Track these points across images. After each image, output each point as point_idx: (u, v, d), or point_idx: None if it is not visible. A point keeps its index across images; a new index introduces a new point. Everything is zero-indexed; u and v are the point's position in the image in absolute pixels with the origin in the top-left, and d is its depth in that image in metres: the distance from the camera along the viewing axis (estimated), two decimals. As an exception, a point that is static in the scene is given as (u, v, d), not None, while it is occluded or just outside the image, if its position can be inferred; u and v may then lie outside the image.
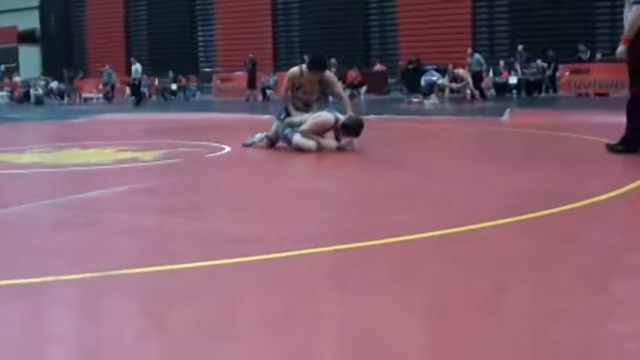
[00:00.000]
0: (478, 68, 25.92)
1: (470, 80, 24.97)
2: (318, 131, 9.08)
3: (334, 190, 6.44)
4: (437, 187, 6.54)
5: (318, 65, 9.57)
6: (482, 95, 25.56)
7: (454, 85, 25.03)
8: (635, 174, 6.75)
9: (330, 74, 9.87)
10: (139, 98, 31.05)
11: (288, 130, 9.20)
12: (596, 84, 26.08)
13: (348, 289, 3.29)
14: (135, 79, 31.69)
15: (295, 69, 9.70)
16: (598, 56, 26.73)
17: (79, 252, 4.16)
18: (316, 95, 9.69)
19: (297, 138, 9.01)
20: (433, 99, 23.88)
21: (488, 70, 28.23)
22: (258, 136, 9.87)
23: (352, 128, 8.91)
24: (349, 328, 2.81)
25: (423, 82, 25.76)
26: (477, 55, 26.17)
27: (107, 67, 34.83)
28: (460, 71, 25.28)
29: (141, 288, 3.39)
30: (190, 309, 3.05)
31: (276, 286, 3.36)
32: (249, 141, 9.84)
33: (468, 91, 24.69)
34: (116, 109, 26.85)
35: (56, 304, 3.19)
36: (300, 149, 8.94)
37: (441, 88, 24.76)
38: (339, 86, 10.05)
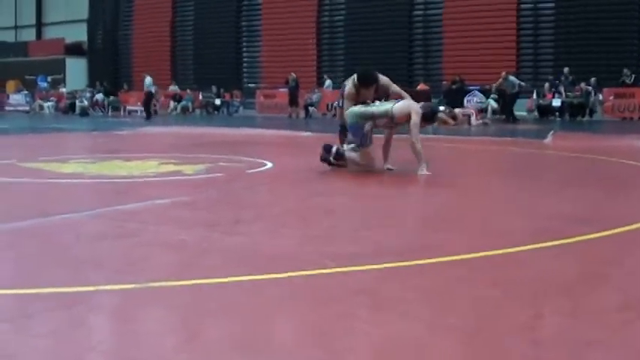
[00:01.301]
0: (513, 90, 25.70)
1: (473, 113, 24.43)
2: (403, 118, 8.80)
3: (375, 208, 6.43)
4: (477, 209, 6.51)
5: (368, 82, 9.37)
6: (513, 118, 25.29)
7: (450, 121, 24.63)
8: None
9: (383, 79, 9.60)
10: (148, 112, 29.73)
11: (368, 125, 8.87)
12: (641, 108, 25.87)
13: (384, 309, 3.29)
14: (148, 93, 30.15)
15: (351, 88, 9.38)
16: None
17: (117, 263, 4.20)
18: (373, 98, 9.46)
19: (351, 154, 8.89)
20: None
21: (532, 92, 28.07)
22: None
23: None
24: (384, 349, 2.80)
25: (466, 103, 25.67)
26: (511, 78, 25.86)
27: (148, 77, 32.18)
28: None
29: (177, 301, 3.41)
30: (225, 324, 3.07)
31: (312, 304, 3.37)
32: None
33: (479, 121, 24.12)
34: (159, 122, 27.08)
35: (94, 314, 3.22)
36: (353, 160, 8.84)
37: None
38: (395, 86, 9.74)
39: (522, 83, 26.81)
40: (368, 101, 9.14)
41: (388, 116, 8.83)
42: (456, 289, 3.63)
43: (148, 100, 30.29)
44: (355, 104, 9.18)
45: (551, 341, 2.87)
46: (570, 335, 2.94)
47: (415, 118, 8.64)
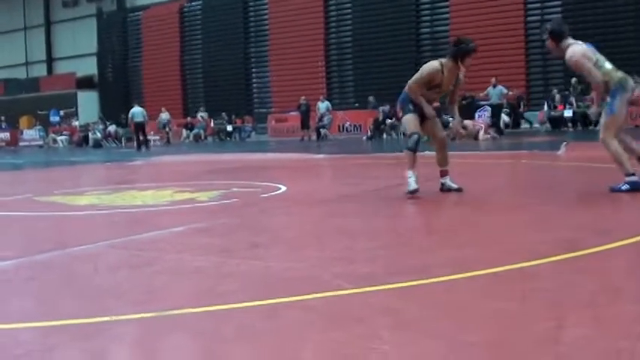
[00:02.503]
0: (499, 101, 25.31)
1: (482, 127, 24.07)
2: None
3: (391, 227, 6.41)
4: (494, 223, 6.49)
5: (473, 47, 8.29)
6: (499, 131, 24.94)
7: (462, 132, 24.66)
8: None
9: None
10: (137, 143, 29.61)
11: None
12: (653, 115, 25.76)
13: (405, 328, 3.27)
14: (137, 123, 29.88)
15: (435, 64, 8.26)
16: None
17: (136, 292, 4.20)
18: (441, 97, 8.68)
19: None
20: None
21: (543, 103, 28.03)
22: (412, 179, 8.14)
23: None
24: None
25: (477, 118, 25.60)
26: (499, 87, 25.40)
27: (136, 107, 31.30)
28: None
29: (197, 328, 3.41)
30: (246, 349, 3.06)
31: (332, 326, 3.35)
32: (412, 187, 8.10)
33: (487, 135, 23.85)
34: (172, 150, 27.18)
35: (114, 345, 3.22)
36: None
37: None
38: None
39: (511, 92, 26.52)
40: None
41: None
42: (477, 305, 3.61)
43: (136, 131, 30.06)
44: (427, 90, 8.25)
45: (574, 353, 2.85)
46: (593, 346, 2.91)
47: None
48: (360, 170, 13.73)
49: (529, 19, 31.25)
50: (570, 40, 7.89)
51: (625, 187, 7.55)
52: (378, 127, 29.84)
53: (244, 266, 4.79)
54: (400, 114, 8.53)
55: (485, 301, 3.66)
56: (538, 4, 31.38)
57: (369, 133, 29.69)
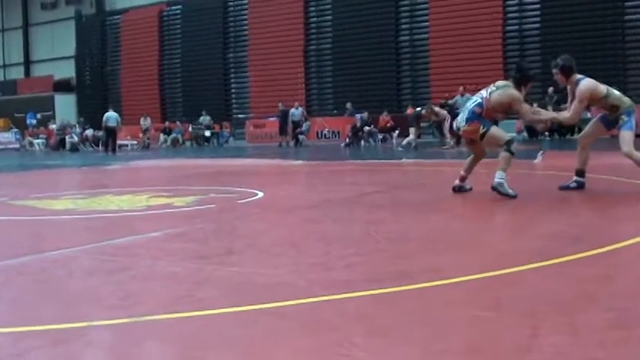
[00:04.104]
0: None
1: (447, 123, 23.69)
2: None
3: (367, 234, 6.41)
4: (470, 230, 6.51)
5: (526, 76, 9.07)
6: (458, 142, 24.78)
7: (433, 117, 24.89)
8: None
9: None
10: (106, 148, 30.56)
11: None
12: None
13: (380, 335, 3.27)
14: (109, 128, 30.40)
15: (517, 92, 8.77)
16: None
17: (110, 297, 4.17)
18: None
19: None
20: (409, 137, 23.90)
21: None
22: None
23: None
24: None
25: (455, 124, 25.59)
26: (467, 95, 25.20)
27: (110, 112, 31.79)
28: (437, 109, 24.83)
29: (172, 334, 3.39)
30: (221, 355, 3.05)
31: (307, 333, 3.35)
32: None
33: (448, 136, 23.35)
34: (150, 155, 27.08)
35: (88, 350, 3.20)
36: None
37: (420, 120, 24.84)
38: None
39: None
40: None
41: None
42: (452, 312, 3.61)
43: (107, 135, 30.47)
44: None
45: (549, 361, 2.86)
46: (568, 354, 2.93)
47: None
48: (338, 177, 13.73)
49: (507, 28, 31.44)
50: (578, 75, 8.78)
51: None
52: (356, 133, 29.88)
53: (220, 272, 4.77)
54: (480, 130, 9.07)
55: (461, 309, 3.66)
56: (516, 14, 31.58)
57: (347, 139, 29.72)
